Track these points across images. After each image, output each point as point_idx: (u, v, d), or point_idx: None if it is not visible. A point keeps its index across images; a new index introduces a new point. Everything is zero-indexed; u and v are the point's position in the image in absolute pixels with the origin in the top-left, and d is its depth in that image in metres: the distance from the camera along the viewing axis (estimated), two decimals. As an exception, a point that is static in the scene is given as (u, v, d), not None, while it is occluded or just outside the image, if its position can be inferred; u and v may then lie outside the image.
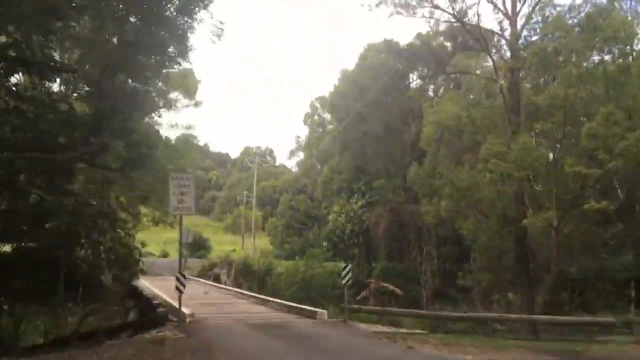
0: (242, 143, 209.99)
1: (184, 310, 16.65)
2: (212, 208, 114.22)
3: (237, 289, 26.13)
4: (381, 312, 16.67)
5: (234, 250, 70.21)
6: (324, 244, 52.32)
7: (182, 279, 15.33)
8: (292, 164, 71.95)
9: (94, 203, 18.64)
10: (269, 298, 22.21)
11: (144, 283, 30.27)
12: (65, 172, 17.15)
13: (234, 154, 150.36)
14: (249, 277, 41.62)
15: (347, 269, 16.76)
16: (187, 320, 15.79)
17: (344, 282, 16.75)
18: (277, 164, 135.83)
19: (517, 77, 29.35)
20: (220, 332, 14.12)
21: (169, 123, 42.61)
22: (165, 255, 58.73)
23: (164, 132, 42.53)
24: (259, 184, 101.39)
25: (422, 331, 14.81)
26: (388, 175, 42.45)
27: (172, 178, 15.50)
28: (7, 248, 24.38)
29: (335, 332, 14.45)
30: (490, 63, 32.75)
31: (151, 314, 18.35)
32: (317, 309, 17.48)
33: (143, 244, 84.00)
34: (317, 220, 64.31)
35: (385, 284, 40.51)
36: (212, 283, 30.58)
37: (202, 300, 23.03)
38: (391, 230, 41.16)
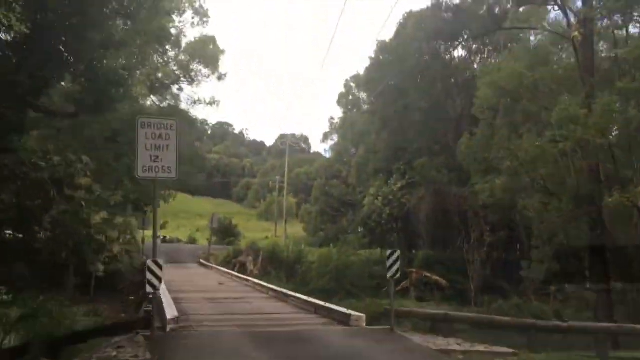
0: (278, 131, 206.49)
1: (169, 312, 11.86)
2: (246, 195, 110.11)
3: (256, 280, 21.24)
4: (443, 319, 11.23)
5: (267, 237, 65.94)
6: (359, 230, 47.26)
7: (155, 268, 10.42)
8: (325, 148, 66.40)
9: (43, 164, 13.78)
10: (290, 293, 17.22)
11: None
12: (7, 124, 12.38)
13: (270, 142, 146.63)
14: (278, 265, 36.76)
15: (393, 257, 11.67)
16: (169, 327, 10.97)
17: (389, 274, 11.68)
18: (312, 151, 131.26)
19: (590, 30, 23.64)
20: (203, 354, 9.21)
21: (192, 98, 37.73)
22: (192, 241, 54.46)
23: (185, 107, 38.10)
24: (293, 171, 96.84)
25: (509, 350, 9.69)
26: (431, 154, 37.02)
27: (141, 126, 10.41)
28: None
29: (380, 352, 9.46)
30: (554, 17, 27.15)
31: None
32: (352, 312, 12.42)
33: (163, 225, 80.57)
34: (351, 206, 59.46)
35: (428, 274, 35.35)
36: (233, 273, 25.83)
37: (212, 293, 18.30)
38: (434, 215, 35.77)
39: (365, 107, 56.34)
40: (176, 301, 15.36)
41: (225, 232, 53.50)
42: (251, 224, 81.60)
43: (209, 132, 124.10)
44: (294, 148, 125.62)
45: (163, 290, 15.76)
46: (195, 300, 16.30)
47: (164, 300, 13.49)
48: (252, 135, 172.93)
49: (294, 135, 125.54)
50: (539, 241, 26.10)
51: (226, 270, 27.54)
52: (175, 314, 11.56)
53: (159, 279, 10.31)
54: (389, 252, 11.97)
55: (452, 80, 40.35)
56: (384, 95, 39.78)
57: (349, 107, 58.79)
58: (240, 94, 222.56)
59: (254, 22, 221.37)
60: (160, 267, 10.41)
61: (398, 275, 11.80)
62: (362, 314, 12.31)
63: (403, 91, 38.00)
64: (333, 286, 33.12)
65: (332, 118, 63.86)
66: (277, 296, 17.63)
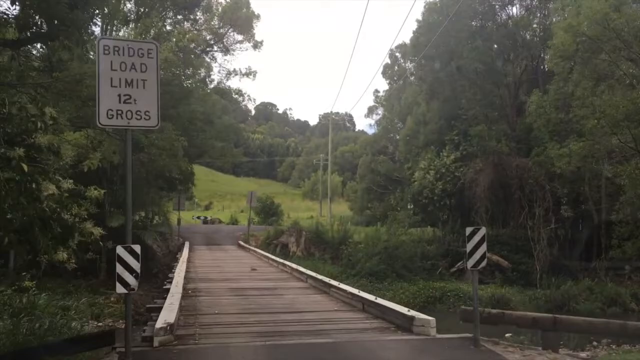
0: (322, 110, 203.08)
1: (163, 316, 8.52)
2: (290, 175, 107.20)
3: (294, 266, 17.75)
4: (551, 324, 7.48)
5: (311, 217, 62.84)
6: (408, 207, 43.42)
7: (129, 258, 7.07)
8: (370, 122, 62.40)
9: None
10: (333, 283, 13.60)
11: (187, 255, 22.78)
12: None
13: (313, 121, 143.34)
14: (322, 246, 33.45)
15: (476, 238, 8.07)
16: (157, 340, 7.61)
17: (471, 263, 8.06)
18: (356, 129, 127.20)
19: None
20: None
21: (226, 69, 34.40)
22: (234, 222, 51.66)
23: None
24: (338, 149, 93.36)
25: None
26: (488, 122, 32.75)
27: (103, 51, 6.92)
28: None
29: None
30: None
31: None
32: (415, 314, 8.80)
33: (208, 206, 78.43)
34: (399, 183, 55.48)
35: (487, 254, 31.37)
36: (271, 256, 22.44)
37: (240, 282, 14.98)
38: (492, 189, 31.59)
39: (412, 78, 52.22)
40: (192, 294, 12.15)
41: (268, 212, 50.45)
42: (295, 203, 78.61)
43: (250, 107, 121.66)
44: (338, 125, 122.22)
45: (177, 281, 12.55)
46: (216, 292, 13.03)
47: (167, 297, 10.23)
48: (296, 114, 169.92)
49: (337, 113, 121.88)
50: (625, 215, 21.72)
51: (264, 253, 24.29)
52: (171, 319, 8.19)
53: (135, 274, 6.89)
54: (469, 230, 8.32)
55: (509, 42, 35.78)
56: (434, 59, 35.59)
57: (395, 79, 54.66)
58: (282, 73, 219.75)
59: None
60: (137, 256, 6.97)
61: (484, 263, 8.14)
62: (430, 318, 8.63)
63: (455, 53, 33.76)
64: (382, 268, 29.93)
65: (377, 91, 59.60)
66: (316, 285, 14.18)
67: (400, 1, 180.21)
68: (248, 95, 31.59)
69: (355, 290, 11.32)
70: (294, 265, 17.58)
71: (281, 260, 19.40)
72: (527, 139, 31.56)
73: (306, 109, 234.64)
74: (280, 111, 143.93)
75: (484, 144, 31.10)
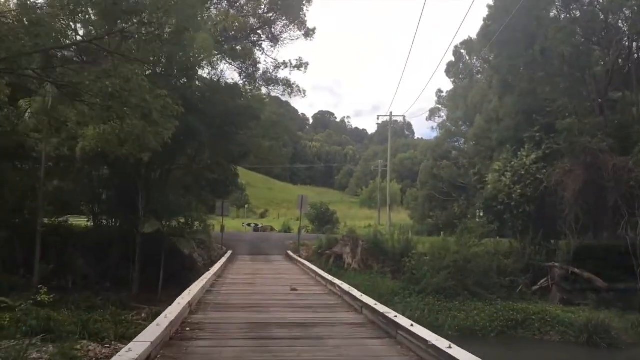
0: (380, 118, 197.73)
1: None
2: (348, 183, 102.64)
3: (346, 287, 12.93)
4: None
5: (369, 225, 58.29)
6: (477, 215, 38.06)
7: None
8: (433, 125, 57.24)
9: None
10: (401, 322, 8.50)
11: (217, 268, 18.60)
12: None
13: (371, 129, 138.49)
14: (381, 258, 28.82)
15: None
16: None
17: None
18: (415, 137, 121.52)
19: None
20: None
21: (275, 61, 30.35)
22: (286, 230, 47.52)
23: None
24: (396, 156, 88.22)
25: None
26: (577, 115, 27.27)
27: None
28: None
29: None
30: None
31: None
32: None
33: (264, 214, 74.57)
34: (463, 190, 50.20)
35: (577, 270, 26.04)
36: (319, 272, 17.66)
37: (269, 312, 10.36)
38: (584, 193, 26.07)
39: (480, 76, 47.01)
40: (186, 334, 7.81)
41: (322, 219, 46.11)
42: (353, 211, 73.99)
43: (303, 112, 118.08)
44: (396, 132, 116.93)
45: (172, 311, 8.29)
46: (227, 330, 8.55)
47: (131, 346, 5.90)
48: (353, 123, 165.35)
49: (395, 121, 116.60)
50: None
51: (312, 267, 19.74)
52: None
53: None
54: None
55: (598, 27, 30.18)
56: (508, 46, 30.37)
57: (460, 77, 49.48)
58: (338, 80, 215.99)
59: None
60: None
61: None
62: None
63: (536, 37, 28.49)
64: (451, 284, 25.62)
65: (439, 91, 54.44)
66: (375, 321, 9.42)
67: None
68: (297, 87, 27.12)
69: (444, 344, 6.45)
70: (345, 287, 12.98)
71: (330, 278, 14.82)
72: (628, 135, 25.91)
73: (364, 118, 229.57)
74: (337, 119, 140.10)
75: (574, 140, 25.64)
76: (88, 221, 27.51)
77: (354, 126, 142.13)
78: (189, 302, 9.76)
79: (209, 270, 17.90)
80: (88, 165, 25.16)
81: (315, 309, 10.95)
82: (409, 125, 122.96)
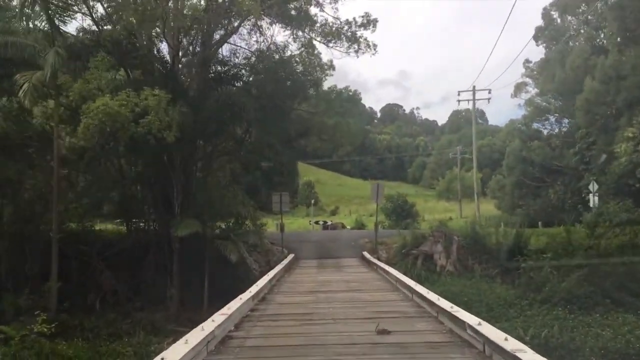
0: (450, 108, 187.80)
1: None
2: (421, 176, 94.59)
3: (475, 323, 6.34)
4: None
5: (450, 218, 51.03)
6: (591, 201, 29.98)
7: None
8: (520, 102, 48.89)
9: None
10: None
11: (263, 284, 12.32)
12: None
13: (442, 120, 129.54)
14: (483, 257, 21.80)
15: None
16: None
17: None
18: (489, 124, 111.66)
19: None
20: None
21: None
22: (360, 227, 40.92)
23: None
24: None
25: None
26: None
27: None
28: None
29: None
30: None
31: None
32: None
33: (334, 211, 68.14)
34: (559, 173, 42.09)
35: None
36: (415, 287, 10.86)
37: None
38: None
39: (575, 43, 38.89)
40: None
41: (400, 213, 39.26)
42: (430, 204, 66.43)
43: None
44: (468, 119, 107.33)
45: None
46: None
47: None
48: (423, 114, 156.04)
49: (467, 109, 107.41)
50: None
51: (401, 277, 12.87)
52: None
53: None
54: None
55: None
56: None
57: (553, 42, 41.21)
58: (405, 72, 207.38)
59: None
60: None
61: None
62: None
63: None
64: (587, 291, 17.99)
65: (527, 61, 45.95)
66: None
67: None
68: (366, 41, 20.27)
69: None
70: (473, 321, 6.27)
71: (443, 305, 7.85)
72: None
73: (433, 109, 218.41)
74: (407, 111, 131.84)
75: None
76: (122, 225, 22.07)
77: (423, 117, 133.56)
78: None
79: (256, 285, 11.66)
80: (111, 155, 19.75)
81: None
82: (481, 114, 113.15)
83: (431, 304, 8.53)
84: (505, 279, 20.66)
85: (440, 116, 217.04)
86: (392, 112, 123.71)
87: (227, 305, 8.11)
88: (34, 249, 18.56)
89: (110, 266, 19.52)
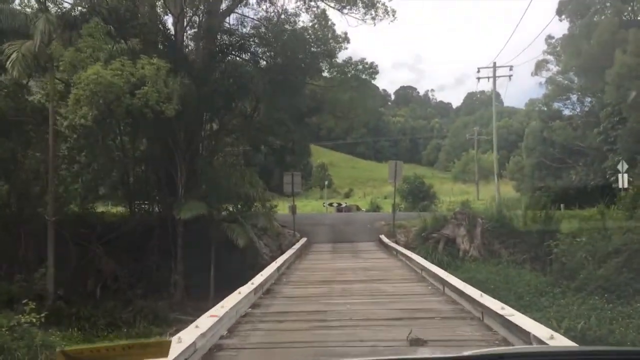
0: (465, 90, 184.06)
1: None
2: (436, 158, 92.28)
3: (531, 325, 4.68)
4: None
5: (467, 200, 49.17)
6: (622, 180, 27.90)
7: None
8: (541, 80, 46.40)
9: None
10: None
11: (278, 267, 10.75)
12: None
13: (457, 103, 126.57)
14: (510, 241, 20.08)
15: None
16: None
17: None
18: (504, 106, 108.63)
19: None
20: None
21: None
22: (376, 209, 39.19)
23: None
24: (489, 126, 77.11)
25: None
26: None
27: None
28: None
29: None
30: None
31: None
32: None
33: (348, 194, 66.43)
34: (581, 154, 40.05)
35: None
36: (446, 278, 9.18)
37: None
38: None
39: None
40: None
41: (417, 195, 37.47)
42: (445, 186, 64.29)
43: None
44: (483, 102, 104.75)
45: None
46: None
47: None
48: (438, 96, 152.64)
49: (482, 91, 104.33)
50: None
51: (427, 265, 11.11)
52: None
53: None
54: None
55: None
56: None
57: (578, 16, 38.72)
58: (419, 55, 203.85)
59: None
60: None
61: None
62: None
63: None
64: (626, 278, 16.23)
65: (549, 37, 43.38)
66: None
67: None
68: (384, 4, 18.29)
69: None
70: (546, 337, 4.58)
71: (491, 305, 6.15)
72: None
73: (447, 92, 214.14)
74: (421, 93, 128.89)
75: None
76: (125, 207, 20.59)
77: (438, 99, 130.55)
78: None
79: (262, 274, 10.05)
80: (110, 132, 18.19)
81: None
82: (496, 95, 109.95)
83: (472, 300, 6.85)
84: (534, 265, 19.01)
85: (455, 98, 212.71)
86: (406, 94, 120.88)
87: (220, 303, 6.52)
88: (29, 232, 17.14)
89: (112, 251, 18.08)
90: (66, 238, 17.07)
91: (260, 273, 9.66)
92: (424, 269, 10.95)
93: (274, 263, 11.63)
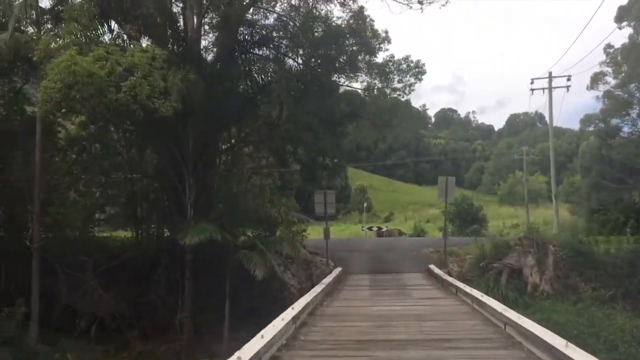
0: (507, 112, 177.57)
1: None
2: (480, 180, 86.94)
3: None
4: None
5: (516, 225, 44.61)
6: None
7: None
8: (598, 94, 41.61)
9: None
10: None
11: (297, 315, 7.10)
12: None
13: (498, 125, 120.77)
14: (590, 273, 15.89)
15: None
16: None
17: None
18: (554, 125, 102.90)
19: None
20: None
21: None
22: (420, 233, 35.04)
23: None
24: (536, 146, 71.99)
25: None
26: None
27: None
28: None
29: None
30: None
31: None
32: None
33: (388, 218, 62.08)
34: (643, 174, 35.12)
35: None
36: (536, 332, 5.39)
37: None
38: None
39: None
40: None
41: (464, 218, 33.23)
42: (491, 210, 59.43)
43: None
44: (527, 123, 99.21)
45: None
46: None
47: None
48: (479, 118, 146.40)
49: (526, 113, 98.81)
50: None
51: (509, 315, 7.34)
52: None
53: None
54: None
55: None
56: None
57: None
58: (460, 77, 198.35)
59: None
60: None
61: None
62: None
63: None
64: None
65: (609, 46, 38.73)
66: None
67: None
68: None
69: None
70: None
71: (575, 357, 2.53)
72: None
73: (489, 114, 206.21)
74: (462, 115, 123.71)
75: None
76: (132, 232, 17.36)
77: (479, 121, 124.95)
78: None
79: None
80: (103, 139, 15.09)
81: None
82: (540, 117, 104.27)
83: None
84: (626, 304, 14.72)
85: (497, 121, 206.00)
86: (447, 116, 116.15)
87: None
88: (12, 261, 14.09)
89: (111, 282, 14.82)
90: (53, 269, 13.94)
91: (261, 333, 6.02)
92: (509, 321, 7.11)
93: (289, 309, 7.98)
